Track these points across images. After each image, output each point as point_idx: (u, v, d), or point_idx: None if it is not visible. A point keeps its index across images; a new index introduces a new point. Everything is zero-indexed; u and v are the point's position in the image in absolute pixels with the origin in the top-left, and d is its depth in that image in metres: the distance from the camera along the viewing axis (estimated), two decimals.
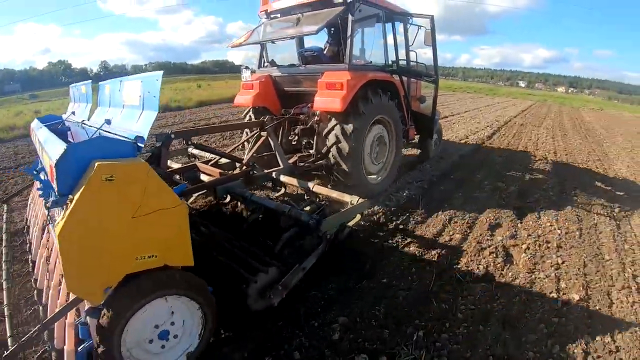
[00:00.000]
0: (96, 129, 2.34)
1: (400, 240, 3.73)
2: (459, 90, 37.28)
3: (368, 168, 4.62)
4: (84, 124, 2.91)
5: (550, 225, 4.20)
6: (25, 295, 2.72)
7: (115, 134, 2.18)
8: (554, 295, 2.91)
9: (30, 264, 2.97)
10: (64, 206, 1.67)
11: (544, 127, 13.37)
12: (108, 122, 2.42)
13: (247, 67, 5.01)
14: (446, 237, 3.88)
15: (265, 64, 5.21)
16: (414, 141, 6.09)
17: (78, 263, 1.61)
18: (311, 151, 4.61)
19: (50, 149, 1.89)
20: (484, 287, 2.98)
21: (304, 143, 4.79)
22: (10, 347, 1.90)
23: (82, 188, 1.58)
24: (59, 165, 1.62)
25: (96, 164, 1.61)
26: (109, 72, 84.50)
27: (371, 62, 5.09)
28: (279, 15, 4.87)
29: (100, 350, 1.78)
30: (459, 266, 3.33)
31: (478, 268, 3.30)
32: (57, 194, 1.66)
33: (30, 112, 16.19)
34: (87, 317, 1.82)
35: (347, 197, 3.39)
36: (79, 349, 1.82)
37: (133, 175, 1.72)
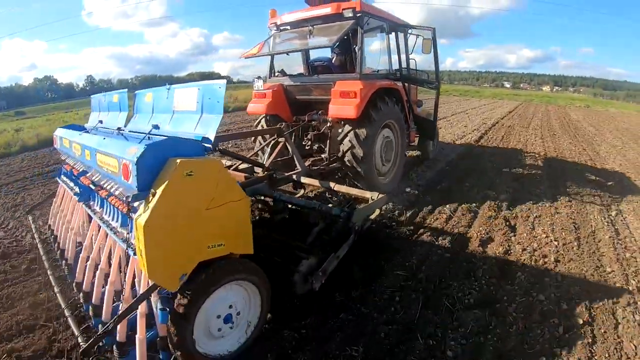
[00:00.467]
0: (145, 134, 2.46)
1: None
2: (445, 93, 37.27)
3: (379, 169, 4.82)
4: (121, 130, 3.02)
5: (546, 237, 3.93)
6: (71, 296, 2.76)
7: (165, 136, 2.33)
8: (555, 320, 2.59)
9: (66, 268, 3.02)
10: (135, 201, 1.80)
11: (532, 128, 13.13)
12: (156, 127, 2.55)
13: (259, 77, 5.18)
14: (434, 256, 3.52)
15: (276, 74, 5.39)
16: (413, 144, 6.34)
17: (159, 252, 1.73)
18: (323, 155, 4.79)
19: (117, 150, 1.99)
20: (477, 316, 2.63)
21: (315, 148, 4.96)
22: (82, 344, 1.97)
23: (166, 182, 1.72)
24: (139, 163, 1.74)
25: (178, 161, 1.76)
26: (95, 86, 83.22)
27: (378, 70, 5.34)
28: (288, 27, 5.06)
29: (174, 335, 1.89)
30: (448, 291, 2.96)
31: (470, 292, 2.94)
32: (137, 189, 1.77)
33: (12, 130, 15.65)
34: (160, 305, 1.93)
35: (367, 194, 3.60)
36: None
37: (209, 171, 1.88)
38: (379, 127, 4.59)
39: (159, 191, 1.72)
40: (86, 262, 2.66)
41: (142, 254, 1.73)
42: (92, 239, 2.76)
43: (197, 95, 2.29)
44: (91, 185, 2.68)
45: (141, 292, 1.94)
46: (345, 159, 4.46)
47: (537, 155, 8.25)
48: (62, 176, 3.83)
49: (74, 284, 2.71)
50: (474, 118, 15.45)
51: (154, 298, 1.97)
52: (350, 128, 4.37)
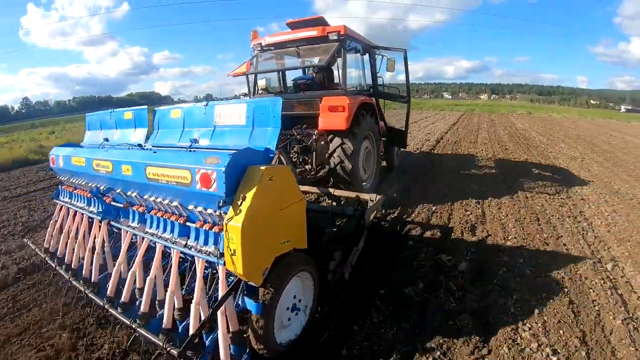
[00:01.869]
0: (186, 148, 2.55)
1: None
2: (384, 107, 38.35)
3: (361, 176, 5.17)
4: (145, 146, 3.04)
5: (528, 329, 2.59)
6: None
7: (215, 149, 2.45)
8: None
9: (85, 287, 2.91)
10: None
11: (481, 143, 11.87)
12: (195, 140, 2.65)
13: (245, 94, 5.31)
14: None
15: (260, 92, 5.55)
16: (382, 154, 6.81)
17: (250, 249, 1.87)
18: (307, 166, 5.03)
19: (189, 161, 2.06)
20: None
21: (300, 159, 5.18)
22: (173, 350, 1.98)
23: (255, 187, 1.87)
24: (227, 171, 1.88)
25: (262, 168, 1.92)
26: (31, 109, 75.19)
27: (356, 87, 5.72)
28: (272, 48, 5.28)
29: (258, 329, 2.02)
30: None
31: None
32: (224, 194, 1.89)
33: None
34: (244, 299, 2.05)
35: (366, 196, 3.91)
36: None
37: (283, 176, 2.07)
38: (361, 139, 4.95)
39: (249, 195, 1.86)
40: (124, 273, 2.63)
41: (234, 253, 1.85)
42: (126, 253, 2.73)
43: (246, 110, 2.44)
44: (114, 203, 2.71)
45: (222, 291, 2.03)
46: (337, 171, 4.77)
47: (494, 180, 6.74)
48: (61, 197, 3.68)
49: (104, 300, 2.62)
50: (415, 134, 13.84)
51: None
52: (338, 143, 4.66)
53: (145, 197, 2.48)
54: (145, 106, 3.31)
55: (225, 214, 1.94)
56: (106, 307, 2.37)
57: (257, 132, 2.38)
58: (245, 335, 2.17)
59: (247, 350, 2.10)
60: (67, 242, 3.32)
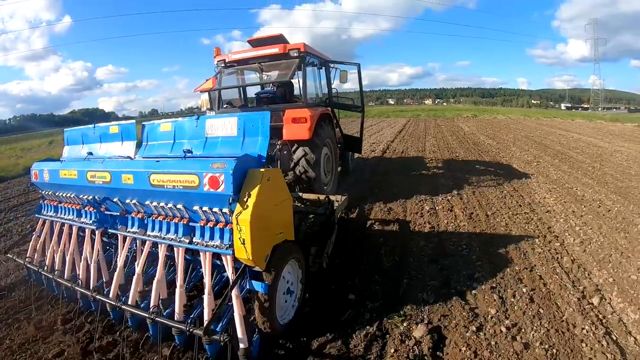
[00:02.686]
0: (182, 157, 2.85)
1: None
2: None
3: (322, 180, 5.62)
4: (133, 158, 3.25)
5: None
6: None
7: (210, 157, 2.78)
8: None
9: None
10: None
11: (429, 151, 11.55)
12: (189, 151, 2.94)
13: (210, 109, 5.57)
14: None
15: (225, 106, 5.83)
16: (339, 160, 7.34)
17: (256, 239, 2.23)
18: None
19: (195, 168, 2.37)
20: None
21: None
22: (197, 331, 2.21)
23: (258, 186, 2.25)
24: (234, 174, 2.23)
25: (262, 170, 2.31)
26: None
27: (314, 99, 6.18)
28: (235, 64, 5.59)
29: (263, 309, 2.38)
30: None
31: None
32: (232, 193, 2.23)
33: None
34: (252, 282, 2.40)
35: (333, 197, 4.36)
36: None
37: (277, 177, 2.47)
38: (321, 147, 5.41)
39: (253, 193, 2.23)
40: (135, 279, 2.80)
41: (244, 242, 2.19)
42: (126, 256, 2.93)
43: (237, 123, 2.79)
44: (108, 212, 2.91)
45: (231, 277, 2.35)
46: (302, 178, 5.15)
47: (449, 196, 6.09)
48: (43, 212, 3.71)
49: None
50: None
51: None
52: (302, 154, 5.06)
53: (147, 203, 2.72)
54: (133, 121, 3.50)
55: (232, 211, 2.28)
56: (119, 305, 2.55)
57: (247, 141, 2.75)
58: (252, 319, 2.50)
59: (257, 331, 2.44)
60: (54, 255, 3.42)
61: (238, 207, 2.24)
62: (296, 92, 6.20)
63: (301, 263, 2.86)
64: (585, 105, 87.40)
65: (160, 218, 2.70)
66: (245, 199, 2.23)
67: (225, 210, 2.33)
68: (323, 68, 6.23)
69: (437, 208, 5.50)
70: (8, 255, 3.85)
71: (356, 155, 8.31)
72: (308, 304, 3.02)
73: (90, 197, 3.12)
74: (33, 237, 3.73)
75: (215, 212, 2.39)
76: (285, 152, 5.13)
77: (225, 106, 5.88)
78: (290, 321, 2.73)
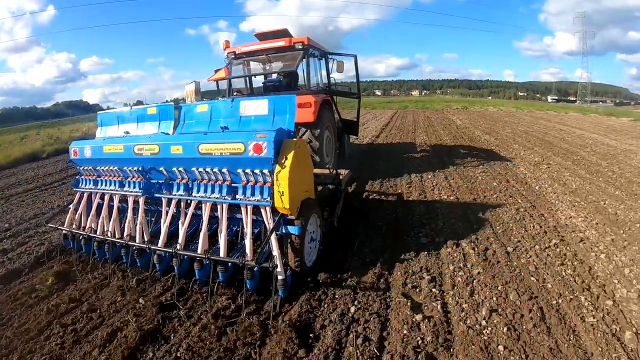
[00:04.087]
0: (221, 130, 3.55)
1: None
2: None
3: (324, 160, 6.36)
4: (171, 134, 3.92)
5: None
6: None
7: (244, 130, 3.48)
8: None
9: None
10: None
11: (421, 149, 10.67)
12: (225, 127, 3.64)
13: (222, 97, 6.22)
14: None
15: (235, 93, 6.49)
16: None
17: (291, 193, 2.95)
18: None
19: (241, 138, 3.05)
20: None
21: None
22: (247, 261, 2.92)
23: (292, 152, 2.97)
24: (275, 142, 2.94)
25: (295, 140, 3.03)
26: None
27: (316, 87, 6.91)
28: (244, 56, 6.26)
29: (297, 242, 3.11)
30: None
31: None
32: (273, 157, 2.94)
33: None
34: (287, 227, 3.12)
35: (341, 170, 5.10)
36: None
37: (304, 146, 3.22)
38: (324, 129, 6.15)
39: (289, 157, 2.95)
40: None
41: (283, 194, 2.92)
42: (171, 213, 3.60)
43: (268, 104, 3.50)
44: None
45: (270, 224, 3.07)
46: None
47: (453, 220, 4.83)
48: (81, 185, 4.31)
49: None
50: None
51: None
52: (308, 137, 5.80)
53: (192, 169, 3.40)
54: (172, 103, 4.16)
55: (271, 171, 3.00)
56: (176, 252, 3.23)
57: (277, 119, 3.46)
58: (284, 261, 3.22)
59: (289, 269, 3.16)
60: (97, 222, 4.02)
61: (277, 167, 2.96)
62: (300, 80, 6.91)
63: (320, 218, 3.60)
64: (572, 98, 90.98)
65: (204, 182, 3.39)
66: (283, 161, 2.95)
67: (265, 171, 3.04)
68: (323, 59, 6.95)
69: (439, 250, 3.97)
70: (49, 225, 4.45)
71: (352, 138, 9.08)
72: (324, 253, 3.78)
73: (136, 168, 3.76)
74: (71, 208, 4.34)
75: (256, 173, 3.09)
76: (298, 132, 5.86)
77: (235, 93, 6.54)
78: (313, 263, 3.48)
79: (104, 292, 3.43)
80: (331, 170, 4.94)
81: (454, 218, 4.80)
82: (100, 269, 3.84)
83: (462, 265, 3.53)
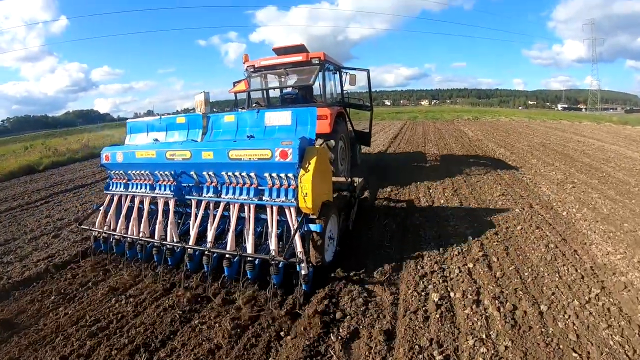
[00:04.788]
0: (247, 138, 3.94)
1: None
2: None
3: (338, 168, 6.72)
4: (199, 141, 4.33)
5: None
6: None
7: (270, 138, 3.86)
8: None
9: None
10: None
11: (431, 166, 9.93)
12: (251, 136, 4.03)
13: (242, 108, 6.66)
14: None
15: (254, 105, 6.94)
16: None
17: (314, 194, 3.31)
18: None
19: (268, 145, 3.43)
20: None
21: None
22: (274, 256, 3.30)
23: (315, 157, 3.34)
24: (300, 148, 3.31)
25: (317, 147, 3.41)
26: None
27: (331, 99, 7.34)
28: (263, 69, 6.71)
29: (318, 240, 3.45)
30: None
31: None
32: (298, 162, 3.31)
33: None
34: (309, 226, 3.47)
35: (355, 178, 5.45)
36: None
37: (325, 154, 3.59)
38: (338, 140, 6.53)
39: (312, 162, 3.32)
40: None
41: (306, 195, 3.27)
42: (200, 214, 3.97)
43: (291, 115, 3.90)
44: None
45: (294, 224, 3.42)
46: None
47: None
48: (112, 188, 4.70)
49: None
50: None
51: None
52: (322, 140, 6.19)
53: (222, 173, 3.77)
54: (200, 114, 4.58)
55: (296, 175, 3.37)
56: (208, 249, 3.59)
57: (300, 129, 3.86)
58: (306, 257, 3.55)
59: (310, 265, 3.50)
60: (128, 224, 4.39)
61: (302, 172, 3.32)
62: (315, 93, 7.35)
63: (338, 219, 3.96)
64: (581, 106, 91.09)
65: (233, 185, 3.76)
66: (306, 166, 3.32)
67: (290, 174, 3.41)
68: (337, 73, 7.39)
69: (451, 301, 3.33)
70: (83, 226, 4.84)
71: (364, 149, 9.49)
72: (340, 252, 4.13)
73: (167, 172, 4.15)
74: (102, 210, 4.74)
75: (282, 177, 3.46)
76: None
77: (254, 105, 6.99)
78: (332, 260, 3.83)
79: (141, 285, 3.81)
80: (346, 178, 5.30)
81: (472, 261, 3.95)
82: (132, 267, 4.18)
83: (484, 337, 2.77)
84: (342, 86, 7.60)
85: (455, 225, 5.07)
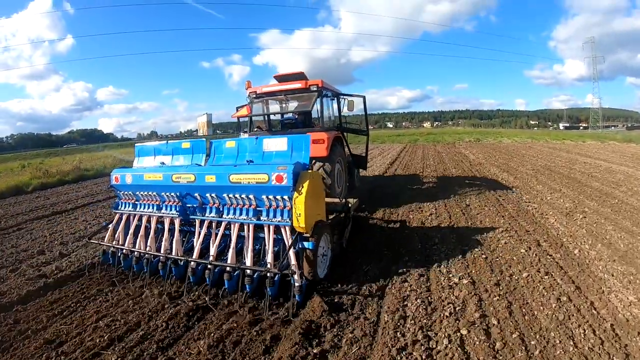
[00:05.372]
0: (246, 163, 4.38)
1: None
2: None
3: (336, 190, 7.14)
4: (203, 166, 4.77)
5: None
6: None
7: (267, 163, 4.30)
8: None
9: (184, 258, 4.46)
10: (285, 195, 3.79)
11: (428, 192, 9.38)
12: (251, 161, 4.47)
13: (245, 131, 7.17)
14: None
15: (255, 129, 7.44)
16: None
17: (307, 214, 3.72)
18: None
19: (265, 170, 3.87)
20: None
21: None
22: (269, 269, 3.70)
23: (307, 181, 3.76)
24: (294, 173, 3.74)
25: (310, 171, 3.84)
26: None
27: (329, 124, 7.83)
28: (264, 96, 7.24)
29: (311, 256, 3.84)
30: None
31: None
32: (292, 186, 3.73)
33: None
34: (303, 243, 3.86)
35: (350, 200, 5.86)
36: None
37: (318, 178, 4.02)
38: (335, 163, 6.97)
39: (305, 185, 3.74)
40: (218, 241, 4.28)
41: (300, 215, 3.68)
42: (203, 232, 4.38)
43: (287, 141, 4.35)
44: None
45: (289, 241, 3.82)
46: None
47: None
48: (120, 208, 5.13)
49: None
50: None
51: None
52: (320, 165, 6.64)
53: (223, 195, 4.20)
54: (204, 139, 5.04)
55: (290, 197, 3.79)
56: (210, 262, 3.99)
57: (295, 154, 4.30)
58: (300, 272, 3.92)
59: (304, 278, 3.87)
60: (135, 240, 4.80)
61: (295, 194, 3.74)
62: (313, 118, 7.85)
63: (331, 238, 4.34)
64: (584, 125, 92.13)
65: (233, 206, 4.18)
66: (300, 189, 3.74)
67: (285, 197, 3.83)
68: (335, 99, 7.91)
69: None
70: (92, 240, 5.26)
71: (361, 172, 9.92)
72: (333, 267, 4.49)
73: (173, 194, 4.59)
74: (110, 227, 5.16)
75: (278, 198, 3.88)
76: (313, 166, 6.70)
77: (255, 129, 7.50)
78: (325, 275, 4.19)
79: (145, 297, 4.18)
80: (341, 199, 5.72)
81: (466, 326, 3.27)
82: (138, 280, 4.58)
83: None
84: (340, 111, 8.12)
85: (448, 273, 4.40)
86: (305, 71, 7.48)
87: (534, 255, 4.84)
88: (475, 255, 4.90)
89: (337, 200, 5.78)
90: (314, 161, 6.65)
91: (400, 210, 7.44)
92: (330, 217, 5.36)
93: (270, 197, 3.92)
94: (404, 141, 34.88)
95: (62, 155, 37.99)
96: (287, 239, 3.86)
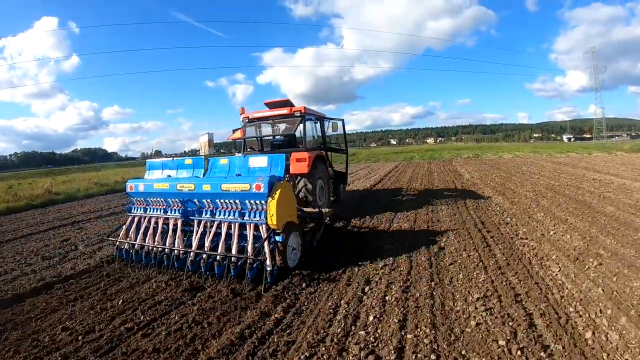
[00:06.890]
0: (235, 176, 5.77)
1: None
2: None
3: (318, 203, 8.47)
4: (201, 178, 6.17)
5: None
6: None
7: (250, 176, 5.69)
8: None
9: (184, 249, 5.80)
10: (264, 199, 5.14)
11: (395, 243, 6.65)
12: (239, 175, 5.86)
13: (238, 152, 8.61)
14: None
15: (248, 150, 8.89)
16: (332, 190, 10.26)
17: (279, 213, 5.06)
18: None
19: (247, 180, 5.24)
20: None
21: None
22: (248, 256, 5.05)
23: (279, 189, 5.11)
24: (268, 183, 5.09)
25: (282, 182, 5.21)
26: None
27: (313, 144, 9.24)
28: (255, 121, 8.71)
29: (281, 247, 5.17)
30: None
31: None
32: (267, 193, 5.09)
33: None
34: (275, 237, 5.19)
35: (324, 209, 7.19)
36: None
37: (288, 187, 5.36)
38: (316, 179, 8.32)
39: (277, 193, 5.08)
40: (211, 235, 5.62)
41: (272, 216, 5.01)
42: (200, 231, 5.72)
43: (267, 160, 5.75)
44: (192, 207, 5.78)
45: (265, 235, 5.15)
46: (303, 199, 7.94)
47: None
48: (133, 211, 6.52)
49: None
50: None
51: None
52: (302, 184, 7.94)
53: (217, 200, 5.55)
54: (202, 156, 6.45)
55: (266, 201, 5.14)
56: (206, 252, 5.32)
57: (273, 169, 5.67)
58: (272, 261, 5.21)
59: (275, 265, 5.18)
60: (145, 238, 6.17)
61: (270, 199, 5.08)
62: (298, 140, 9.28)
63: (300, 236, 5.66)
64: (587, 135, 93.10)
65: (223, 209, 5.53)
66: (273, 195, 5.07)
67: (262, 201, 5.17)
68: (318, 122, 9.36)
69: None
70: (110, 238, 6.65)
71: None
72: (305, 262, 5.77)
73: (177, 199, 5.97)
74: (124, 228, 6.54)
75: (257, 202, 5.21)
76: (291, 182, 8.08)
77: (248, 149, 8.95)
78: (295, 266, 5.48)
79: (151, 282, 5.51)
80: (316, 209, 7.07)
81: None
82: (147, 269, 5.92)
83: None
84: (323, 133, 9.54)
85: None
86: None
87: (518, 353, 3.06)
88: (440, 347, 3.24)
89: (313, 210, 7.12)
90: (298, 177, 8.03)
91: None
92: (310, 225, 6.73)
93: (252, 201, 5.25)
94: (399, 158, 33.87)
95: (56, 175, 39.12)
96: (264, 234, 5.19)
